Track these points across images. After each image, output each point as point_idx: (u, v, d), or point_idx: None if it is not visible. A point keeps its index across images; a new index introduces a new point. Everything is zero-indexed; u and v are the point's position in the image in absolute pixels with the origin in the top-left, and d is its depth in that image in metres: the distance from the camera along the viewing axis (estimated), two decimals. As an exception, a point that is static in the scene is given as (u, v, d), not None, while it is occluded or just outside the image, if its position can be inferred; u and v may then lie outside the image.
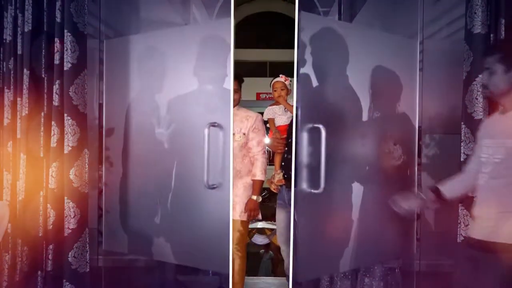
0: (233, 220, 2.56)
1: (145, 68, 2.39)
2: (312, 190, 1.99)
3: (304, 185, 2.00)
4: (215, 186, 2.10)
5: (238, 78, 2.70)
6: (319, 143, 1.96)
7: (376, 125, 2.28)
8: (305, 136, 1.99)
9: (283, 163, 2.63)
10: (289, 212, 2.59)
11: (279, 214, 2.77)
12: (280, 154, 2.67)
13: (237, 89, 2.67)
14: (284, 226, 2.69)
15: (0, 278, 2.25)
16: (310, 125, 2.00)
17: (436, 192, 1.90)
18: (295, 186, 2.02)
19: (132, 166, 2.45)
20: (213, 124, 2.09)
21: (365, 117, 2.23)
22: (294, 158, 1.98)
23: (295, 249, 2.02)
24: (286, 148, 2.61)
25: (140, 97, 2.41)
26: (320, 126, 1.97)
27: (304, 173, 1.99)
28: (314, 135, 1.98)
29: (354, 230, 2.23)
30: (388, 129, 2.35)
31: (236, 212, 2.64)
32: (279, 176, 2.65)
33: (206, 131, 2.07)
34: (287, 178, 2.56)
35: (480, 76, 1.99)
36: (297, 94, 1.98)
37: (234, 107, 2.62)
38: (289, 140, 2.58)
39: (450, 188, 1.90)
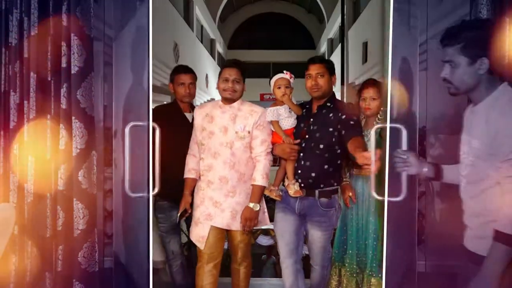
0: (233, 231, 2.41)
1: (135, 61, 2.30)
2: (391, 198, 1.81)
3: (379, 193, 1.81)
4: (139, 194, 1.95)
5: (238, 67, 2.37)
6: (396, 145, 1.79)
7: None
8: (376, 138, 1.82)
9: (299, 171, 2.36)
10: (299, 219, 2.44)
11: (284, 221, 2.48)
12: (293, 162, 2.37)
13: (238, 80, 2.35)
14: (292, 233, 2.45)
15: (7, 280, 2.27)
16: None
17: (437, 169, 1.76)
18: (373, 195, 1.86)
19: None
20: (136, 125, 1.92)
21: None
22: (388, 163, 1.79)
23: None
24: (302, 154, 2.37)
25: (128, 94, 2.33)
26: (401, 127, 1.80)
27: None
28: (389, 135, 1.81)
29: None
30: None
31: (236, 221, 2.36)
32: (294, 186, 2.33)
33: (127, 131, 1.90)
34: (304, 187, 2.36)
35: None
36: (391, 92, 1.78)
37: (237, 100, 2.41)
38: (303, 145, 2.38)
39: (451, 171, 1.76)
